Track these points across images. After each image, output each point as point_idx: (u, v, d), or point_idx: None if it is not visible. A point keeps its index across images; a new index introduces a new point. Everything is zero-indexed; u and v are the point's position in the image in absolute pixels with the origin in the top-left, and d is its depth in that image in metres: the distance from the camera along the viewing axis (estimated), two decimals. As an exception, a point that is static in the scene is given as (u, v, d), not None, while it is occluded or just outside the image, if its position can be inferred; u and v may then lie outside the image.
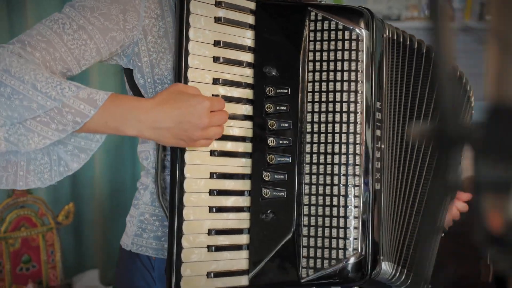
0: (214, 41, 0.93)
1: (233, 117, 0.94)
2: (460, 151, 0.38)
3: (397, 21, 5.90)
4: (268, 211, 0.95)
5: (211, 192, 0.93)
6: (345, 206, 0.92)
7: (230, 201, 0.95)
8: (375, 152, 0.95)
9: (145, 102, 0.86)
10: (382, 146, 0.98)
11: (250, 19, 0.96)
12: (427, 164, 1.08)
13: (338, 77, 0.94)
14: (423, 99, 1.08)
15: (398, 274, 1.02)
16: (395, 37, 1.03)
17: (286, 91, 0.95)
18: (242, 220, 0.95)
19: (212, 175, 0.93)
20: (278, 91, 0.95)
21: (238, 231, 0.95)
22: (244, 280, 0.95)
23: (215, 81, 0.92)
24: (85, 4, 0.88)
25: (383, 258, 0.97)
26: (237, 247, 0.95)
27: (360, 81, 0.94)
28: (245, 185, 0.96)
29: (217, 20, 0.92)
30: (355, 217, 0.92)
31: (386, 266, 0.99)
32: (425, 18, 5.90)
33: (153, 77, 0.95)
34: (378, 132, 0.97)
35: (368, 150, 0.94)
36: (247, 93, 0.96)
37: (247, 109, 0.96)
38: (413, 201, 1.07)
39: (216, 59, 0.93)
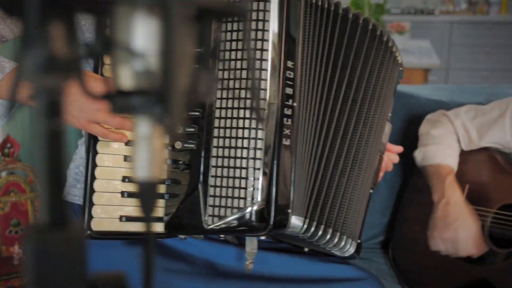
0: None
1: None
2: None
3: (431, 15, 5.80)
4: (181, 162, 1.01)
5: (127, 143, 1.00)
6: (247, 158, 0.96)
7: None
8: (284, 109, 0.99)
9: None
10: (294, 104, 1.01)
11: None
12: (347, 125, 1.10)
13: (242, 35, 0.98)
14: (347, 63, 1.11)
15: (313, 229, 1.05)
16: (314, 1, 1.05)
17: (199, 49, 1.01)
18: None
19: None
20: None
21: None
22: (159, 226, 1.01)
23: None
24: None
25: (293, 212, 1.00)
26: None
27: (266, 40, 0.97)
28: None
29: None
30: (257, 169, 0.96)
31: (297, 221, 1.02)
32: (460, 12, 5.76)
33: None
34: (288, 90, 1.00)
35: (273, 106, 0.98)
36: None
37: None
38: (333, 159, 1.09)
39: None
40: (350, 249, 1.12)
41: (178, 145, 1.00)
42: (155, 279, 1.01)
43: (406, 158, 1.53)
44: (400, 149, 1.26)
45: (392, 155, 1.24)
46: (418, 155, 1.56)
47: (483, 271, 1.36)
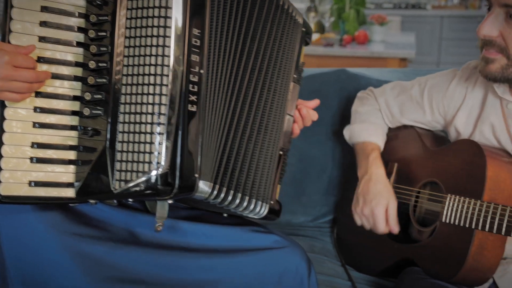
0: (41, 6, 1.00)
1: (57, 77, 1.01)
2: None
3: (423, 9, 5.79)
4: (89, 128, 1.03)
5: (35, 109, 1.01)
6: (152, 123, 0.97)
7: (55, 118, 1.02)
8: (189, 75, 1.00)
9: None
10: (201, 71, 1.02)
11: None
12: (254, 92, 1.12)
13: (151, 3, 0.99)
14: (255, 33, 1.12)
15: (222, 194, 1.06)
16: None
17: (106, 17, 1.03)
18: (68, 137, 1.03)
19: (37, 94, 1.01)
20: (99, 18, 1.03)
21: (64, 147, 1.02)
22: (70, 192, 1.02)
23: (43, 8, 1.01)
24: None
25: (200, 177, 1.01)
26: (63, 162, 1.02)
27: (170, 7, 0.98)
28: (71, 106, 1.03)
29: None
30: (160, 134, 0.97)
31: (205, 186, 1.03)
32: (452, 7, 5.74)
33: None
34: (194, 57, 1.01)
35: (176, 71, 0.99)
36: (77, 21, 1.03)
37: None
38: (242, 126, 1.10)
39: (44, 9, 1.00)
40: (262, 211, 1.14)
41: (86, 111, 1.01)
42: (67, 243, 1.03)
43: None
44: (316, 102, 1.27)
45: (310, 111, 1.25)
46: (346, 133, 1.57)
47: (409, 250, 1.36)
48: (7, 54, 0.93)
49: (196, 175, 1.00)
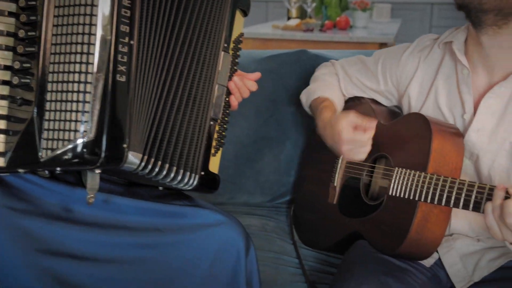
0: None
1: None
2: None
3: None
4: (18, 98, 1.03)
5: None
6: (78, 92, 0.98)
7: None
8: (118, 45, 1.00)
9: None
10: (131, 42, 1.02)
11: None
12: (184, 64, 1.12)
13: None
14: (187, 6, 1.12)
15: (150, 166, 1.07)
16: None
17: None
18: (0, 107, 1.02)
19: None
20: None
21: None
22: (1, 161, 1.03)
23: None
24: None
25: (130, 147, 1.02)
26: None
27: None
28: (1, 75, 1.01)
29: None
30: (86, 102, 0.97)
31: (134, 158, 1.04)
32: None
33: None
34: (124, 28, 1.01)
35: (105, 40, 0.98)
36: None
37: None
38: (171, 98, 1.11)
39: None
40: (191, 182, 1.14)
41: (15, 80, 1.01)
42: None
43: (312, 119, 1.53)
44: (257, 75, 1.27)
45: (248, 82, 1.26)
46: (303, 96, 1.57)
47: (357, 224, 1.36)
48: None
49: (125, 146, 1.01)
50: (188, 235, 1.16)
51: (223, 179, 1.80)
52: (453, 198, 1.10)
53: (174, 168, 1.11)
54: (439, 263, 1.31)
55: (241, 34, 1.26)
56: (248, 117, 1.78)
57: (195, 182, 1.15)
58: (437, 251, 1.31)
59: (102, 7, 0.99)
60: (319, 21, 3.71)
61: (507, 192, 1.02)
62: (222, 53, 1.20)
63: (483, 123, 1.24)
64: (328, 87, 1.52)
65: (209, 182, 1.19)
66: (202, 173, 1.17)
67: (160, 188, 1.21)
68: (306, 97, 1.55)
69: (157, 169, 1.08)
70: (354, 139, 1.28)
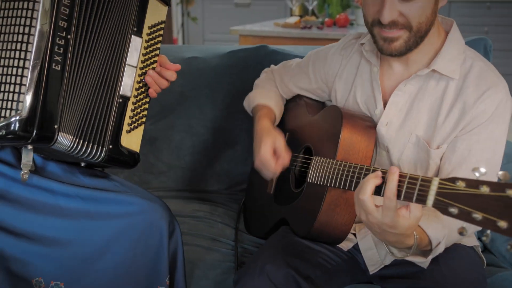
0: None
1: None
2: None
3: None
4: None
5: None
6: (15, 75, 1.11)
7: None
8: (56, 38, 1.13)
9: None
10: (68, 36, 1.15)
11: None
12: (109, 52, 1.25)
13: None
14: (113, 10, 1.23)
15: (84, 148, 1.20)
16: None
17: None
18: None
19: None
20: None
21: None
22: None
23: None
24: None
25: (59, 128, 1.14)
26: None
27: None
28: None
29: None
30: (23, 85, 1.10)
31: (65, 140, 1.16)
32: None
33: None
34: (62, 23, 1.14)
35: (43, 33, 1.11)
36: None
37: None
38: (99, 85, 1.23)
39: None
40: (99, 154, 1.23)
41: None
42: None
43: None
44: (176, 67, 1.35)
45: (167, 72, 1.33)
46: (245, 103, 1.66)
47: (284, 210, 1.45)
48: None
49: (56, 127, 1.13)
50: (115, 220, 1.26)
51: (181, 167, 1.93)
52: (354, 183, 1.17)
53: (86, 143, 1.21)
54: (357, 247, 1.38)
55: (161, 22, 1.34)
56: (204, 109, 1.88)
57: (103, 155, 1.24)
58: (355, 237, 1.38)
59: (43, 2, 1.11)
60: (322, 18, 3.76)
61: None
62: (132, 36, 1.28)
63: (390, 118, 1.31)
64: (266, 94, 1.60)
65: (121, 157, 1.28)
66: (111, 146, 1.25)
67: (82, 164, 1.32)
68: (247, 104, 1.65)
69: (79, 147, 1.20)
70: (266, 162, 1.39)
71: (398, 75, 1.32)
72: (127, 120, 1.29)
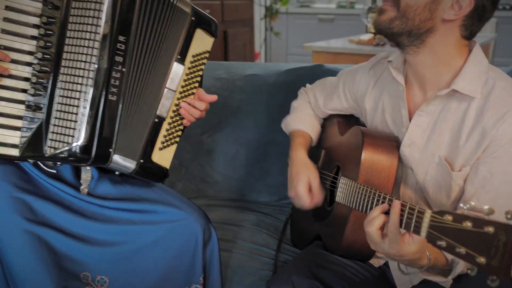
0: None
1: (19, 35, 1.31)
2: None
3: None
4: (32, 104, 1.32)
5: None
6: (78, 106, 1.26)
7: (8, 93, 1.30)
8: (112, 71, 1.27)
9: None
10: (123, 69, 1.29)
11: None
12: (153, 77, 1.37)
13: (87, 13, 1.26)
14: (162, 39, 1.36)
15: (131, 165, 1.34)
16: None
17: (54, 20, 1.30)
18: (17, 109, 1.31)
19: None
20: (49, 19, 1.30)
21: (13, 116, 1.31)
22: (14, 151, 1.30)
23: (7, 7, 1.32)
24: None
25: (116, 151, 1.29)
26: (11, 128, 1.31)
27: (100, 18, 1.25)
28: (21, 85, 1.30)
29: None
30: (83, 115, 1.25)
31: (120, 160, 1.31)
32: None
33: None
34: (118, 58, 1.28)
35: (101, 69, 1.26)
36: (33, 19, 1.30)
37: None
38: (145, 109, 1.36)
39: (7, 7, 1.29)
40: (129, 166, 1.35)
41: (32, 91, 1.30)
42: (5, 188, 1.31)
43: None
44: (213, 97, 1.44)
45: (197, 102, 1.42)
46: (282, 126, 1.72)
47: (319, 227, 1.50)
48: None
49: (111, 150, 1.29)
50: (155, 227, 1.39)
51: (235, 178, 2.03)
52: (369, 208, 1.20)
53: (123, 157, 1.33)
54: (388, 264, 1.41)
55: (206, 52, 1.45)
56: (259, 123, 1.98)
57: (134, 167, 1.35)
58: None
59: (101, 43, 1.25)
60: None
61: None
62: (175, 63, 1.39)
63: (414, 138, 1.33)
64: (302, 118, 1.66)
65: (151, 171, 1.39)
66: (141, 161, 1.37)
67: (116, 172, 1.43)
68: (285, 127, 1.71)
69: (133, 167, 1.35)
70: (301, 197, 1.45)
71: (419, 96, 1.34)
72: (160, 138, 1.40)
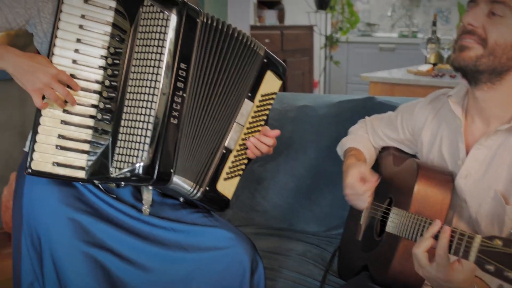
0: (81, 14, 1.40)
1: (88, 66, 1.40)
2: None
3: None
4: (100, 128, 1.40)
5: (64, 111, 1.39)
6: (141, 129, 1.34)
7: (77, 119, 1.39)
8: (174, 96, 1.35)
9: (17, 51, 1.35)
10: (184, 94, 1.37)
11: (112, 3, 1.40)
12: (222, 109, 1.45)
13: (151, 43, 1.36)
14: (225, 65, 1.44)
15: (194, 191, 1.40)
16: (210, 22, 1.41)
17: (121, 50, 1.40)
18: (85, 134, 1.40)
19: (66, 100, 1.40)
20: (116, 50, 1.40)
21: (81, 141, 1.40)
22: (81, 173, 1.39)
23: (78, 40, 1.41)
24: None
25: (176, 173, 1.36)
26: (79, 151, 1.40)
27: (164, 47, 1.35)
28: (89, 111, 1.40)
29: (85, 1, 1.39)
30: (146, 137, 1.33)
31: (180, 181, 1.37)
32: None
33: (45, 39, 1.49)
34: (179, 84, 1.36)
35: (164, 94, 1.34)
36: (101, 51, 1.40)
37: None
38: (209, 136, 1.43)
39: (81, 27, 1.39)
40: (195, 192, 1.41)
41: (99, 116, 1.39)
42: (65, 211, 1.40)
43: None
44: (276, 132, 1.50)
45: (265, 138, 1.49)
46: (338, 148, 1.75)
47: (366, 257, 1.51)
48: (55, 69, 1.32)
49: (172, 171, 1.35)
50: (203, 253, 1.44)
51: (284, 207, 2.06)
52: (418, 235, 1.21)
53: (194, 185, 1.40)
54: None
55: (273, 93, 1.52)
56: (309, 153, 2.01)
57: (199, 194, 1.41)
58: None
59: (164, 70, 1.34)
60: (458, 66, 3.68)
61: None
62: (245, 100, 1.47)
63: (470, 171, 1.33)
64: (358, 139, 1.70)
65: (214, 199, 1.44)
66: (207, 188, 1.42)
67: (181, 199, 1.50)
68: (340, 148, 1.74)
69: (198, 194, 1.42)
70: (353, 186, 1.46)
71: (480, 129, 1.35)
72: (226, 169, 1.46)
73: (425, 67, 3.59)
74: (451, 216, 1.37)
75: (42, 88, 1.30)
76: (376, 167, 1.68)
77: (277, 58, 1.55)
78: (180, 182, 1.38)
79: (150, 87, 1.34)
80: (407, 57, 5.79)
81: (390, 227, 1.36)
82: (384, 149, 1.70)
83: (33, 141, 1.36)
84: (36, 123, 1.37)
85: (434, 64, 3.71)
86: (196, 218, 1.50)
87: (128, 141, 1.35)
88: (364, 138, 1.70)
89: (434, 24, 3.86)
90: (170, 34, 1.35)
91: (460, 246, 1.01)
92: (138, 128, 1.34)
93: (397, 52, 6.23)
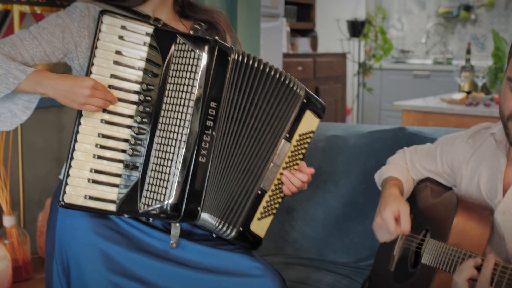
0: (116, 50, 1.45)
1: (121, 100, 1.44)
2: None
3: None
4: (130, 164, 1.43)
5: (96, 145, 1.44)
6: (170, 167, 1.36)
7: (110, 153, 1.43)
8: (203, 135, 1.37)
9: (53, 75, 1.35)
10: (213, 133, 1.38)
11: (146, 39, 1.45)
12: (256, 149, 1.46)
13: (182, 81, 1.39)
14: (258, 103, 1.45)
15: (221, 226, 1.42)
16: (241, 59, 1.42)
17: (153, 87, 1.43)
18: (116, 168, 1.43)
19: (99, 135, 1.45)
20: (148, 87, 1.43)
21: (114, 174, 1.43)
22: (112, 207, 1.42)
23: (112, 76, 1.45)
24: (40, 25, 1.48)
25: (204, 210, 1.38)
26: (111, 185, 1.43)
27: (195, 86, 1.37)
28: (121, 146, 1.44)
29: (120, 38, 1.46)
30: (175, 175, 1.35)
31: (208, 217, 1.40)
32: None
33: (82, 72, 1.52)
34: (209, 123, 1.38)
35: (193, 132, 1.36)
36: (134, 87, 1.44)
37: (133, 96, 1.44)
38: (241, 175, 1.44)
39: (115, 62, 1.45)
40: (229, 232, 1.43)
41: (130, 151, 1.42)
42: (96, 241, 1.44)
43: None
44: (311, 170, 1.50)
45: (300, 174, 1.48)
46: (376, 176, 1.75)
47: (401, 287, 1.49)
48: (91, 80, 1.35)
49: (199, 208, 1.38)
50: (231, 277, 1.45)
51: (313, 237, 2.06)
52: (457, 267, 1.21)
53: (222, 222, 1.42)
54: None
55: (311, 132, 1.52)
56: (339, 184, 2.01)
57: (233, 234, 1.43)
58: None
59: (193, 108, 1.36)
60: (493, 95, 3.64)
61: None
62: (283, 140, 1.48)
63: (508, 207, 1.33)
64: (399, 170, 1.69)
65: (248, 239, 1.45)
66: (241, 228, 1.44)
67: (214, 235, 1.52)
68: (378, 176, 1.74)
69: (226, 230, 1.44)
70: (387, 221, 1.45)
71: None
72: (260, 209, 1.47)
73: (459, 96, 3.56)
74: (489, 251, 1.36)
75: (86, 101, 1.34)
76: (411, 198, 1.67)
77: (316, 97, 1.54)
78: (208, 218, 1.40)
79: (179, 126, 1.36)
80: (442, 84, 5.74)
81: (425, 258, 1.36)
82: (421, 180, 1.70)
83: (67, 174, 1.39)
84: (70, 157, 1.40)
85: (468, 93, 3.68)
86: (224, 244, 1.51)
87: (157, 178, 1.37)
88: (404, 169, 1.70)
89: (468, 52, 3.83)
90: (201, 73, 1.36)
91: (503, 279, 1.01)
92: (167, 166, 1.36)
93: (431, 79, 6.17)
